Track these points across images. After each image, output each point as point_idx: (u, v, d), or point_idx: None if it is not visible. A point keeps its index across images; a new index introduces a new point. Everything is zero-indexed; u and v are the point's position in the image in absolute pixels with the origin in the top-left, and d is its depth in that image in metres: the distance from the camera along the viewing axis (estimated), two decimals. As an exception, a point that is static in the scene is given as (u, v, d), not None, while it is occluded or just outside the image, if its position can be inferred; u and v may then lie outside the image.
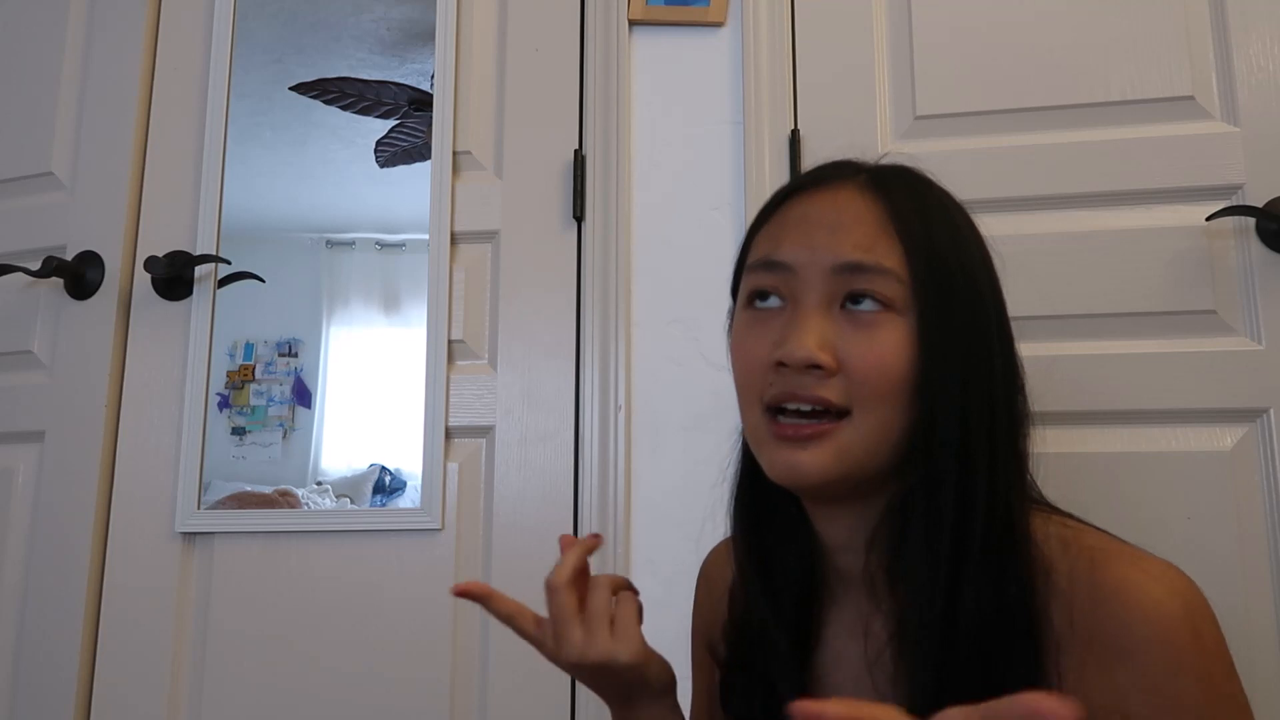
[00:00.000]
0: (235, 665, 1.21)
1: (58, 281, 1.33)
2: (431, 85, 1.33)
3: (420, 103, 1.33)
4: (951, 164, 1.14)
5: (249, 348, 1.31)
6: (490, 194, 1.29)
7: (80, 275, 1.32)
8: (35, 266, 1.30)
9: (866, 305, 0.60)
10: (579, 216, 1.26)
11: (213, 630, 1.22)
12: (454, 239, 1.28)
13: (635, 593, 0.70)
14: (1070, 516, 0.64)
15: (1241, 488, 1.04)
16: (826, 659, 0.68)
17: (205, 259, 1.29)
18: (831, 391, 0.59)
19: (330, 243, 1.35)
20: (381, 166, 1.34)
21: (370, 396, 1.31)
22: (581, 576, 0.69)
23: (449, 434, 1.23)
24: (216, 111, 1.34)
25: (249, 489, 1.28)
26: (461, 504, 1.22)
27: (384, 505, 1.26)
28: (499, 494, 1.22)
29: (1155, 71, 1.14)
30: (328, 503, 1.27)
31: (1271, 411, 1.04)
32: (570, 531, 1.19)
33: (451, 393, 1.24)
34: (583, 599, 0.68)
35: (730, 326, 0.72)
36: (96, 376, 1.29)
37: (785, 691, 0.65)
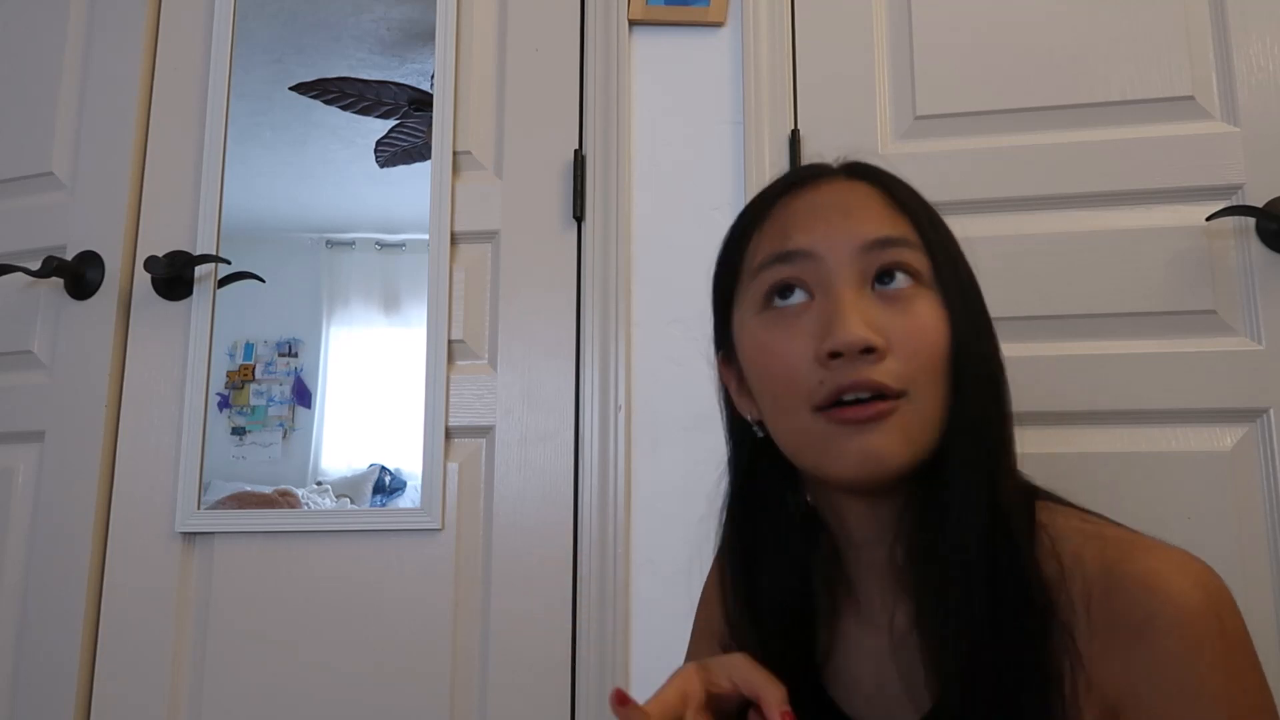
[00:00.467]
0: (235, 665, 1.21)
1: (58, 281, 1.33)
2: (431, 85, 1.33)
3: (420, 103, 1.33)
4: (951, 164, 1.15)
5: (249, 348, 1.31)
6: (490, 194, 1.29)
7: (80, 275, 1.32)
8: (35, 266, 1.30)
9: (899, 280, 0.60)
10: (579, 216, 1.26)
11: (213, 630, 1.22)
12: (454, 239, 1.28)
13: None
14: (1084, 510, 0.64)
15: (1241, 488, 1.04)
16: (846, 650, 0.68)
17: (205, 259, 1.29)
18: (886, 375, 0.58)
19: (330, 243, 1.35)
20: (381, 166, 1.34)
21: (370, 396, 1.31)
22: None
23: (449, 434, 1.23)
24: (216, 111, 1.34)
25: (249, 489, 1.28)
26: (461, 504, 1.22)
27: (384, 505, 1.26)
28: (499, 494, 1.22)
29: (1155, 71, 1.14)
30: (328, 503, 1.27)
31: (1271, 411, 1.04)
32: (570, 531, 1.19)
33: (451, 393, 1.24)
34: None
35: (725, 352, 0.69)
36: (96, 376, 1.29)
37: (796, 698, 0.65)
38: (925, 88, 1.20)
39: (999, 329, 0.64)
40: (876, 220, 0.62)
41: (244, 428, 1.30)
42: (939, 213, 0.66)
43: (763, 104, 1.23)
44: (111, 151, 1.36)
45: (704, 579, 0.83)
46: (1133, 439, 1.08)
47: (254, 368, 1.31)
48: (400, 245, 1.33)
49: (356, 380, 1.32)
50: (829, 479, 0.61)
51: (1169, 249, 1.10)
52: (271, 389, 1.31)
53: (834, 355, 0.58)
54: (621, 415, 1.21)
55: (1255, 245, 1.08)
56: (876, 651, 0.65)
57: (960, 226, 0.66)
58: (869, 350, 0.57)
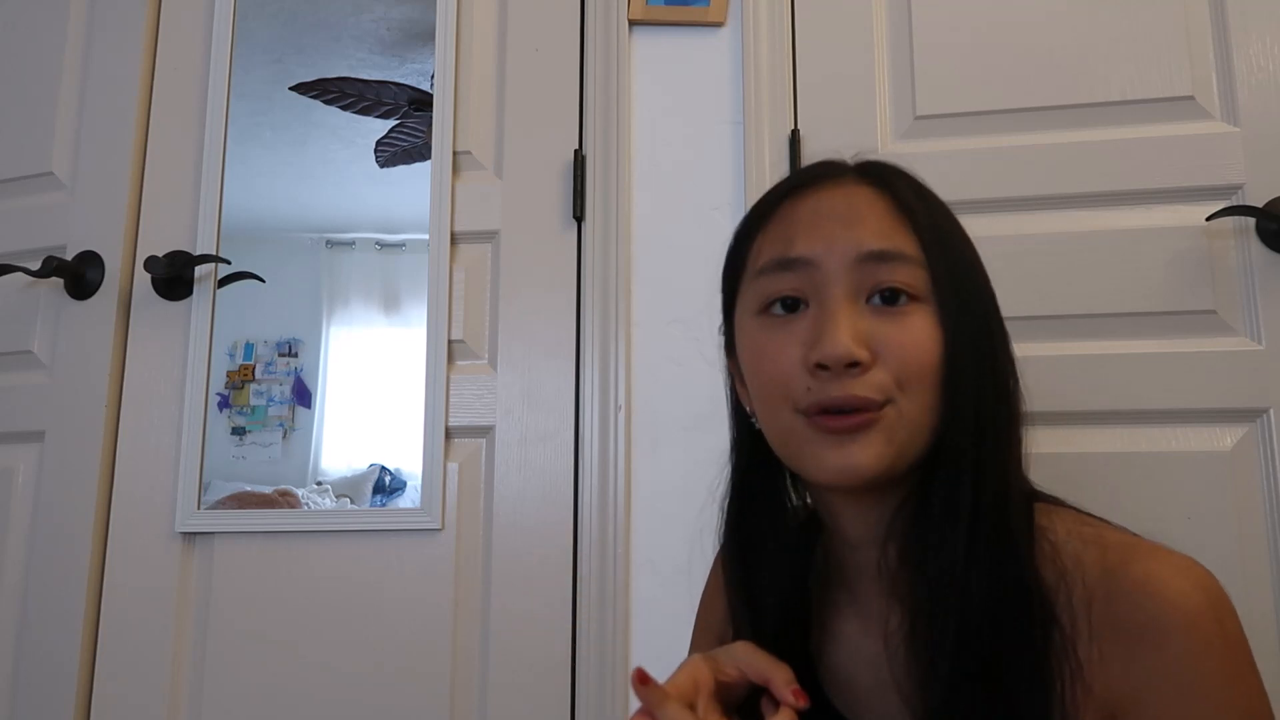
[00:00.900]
0: (235, 665, 1.21)
1: (58, 281, 1.33)
2: (431, 85, 1.33)
3: (420, 103, 1.33)
4: (951, 164, 1.15)
5: (249, 348, 1.31)
6: (490, 194, 1.29)
7: (80, 275, 1.32)
8: (35, 266, 1.30)
9: (893, 297, 0.60)
10: (579, 216, 1.26)
11: (213, 630, 1.22)
12: (454, 239, 1.28)
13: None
14: (1083, 512, 0.64)
15: (1241, 488, 1.04)
16: (842, 654, 0.68)
17: (205, 259, 1.29)
18: (870, 388, 0.59)
19: (330, 243, 1.35)
20: (381, 166, 1.34)
21: (370, 396, 1.31)
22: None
23: (449, 434, 1.23)
24: (216, 111, 1.34)
25: (249, 489, 1.28)
26: (461, 504, 1.22)
27: (384, 505, 1.26)
28: (499, 494, 1.22)
29: (1155, 71, 1.14)
30: (328, 503, 1.27)
31: (1271, 411, 1.04)
32: (570, 531, 1.19)
33: (451, 393, 1.24)
34: None
35: (727, 342, 0.71)
36: (96, 376, 1.29)
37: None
38: (925, 88, 1.20)
39: (1000, 329, 0.64)
40: (876, 231, 0.62)
41: (244, 428, 1.30)
42: (954, 215, 0.66)
43: (763, 104, 1.23)
44: (111, 151, 1.36)
45: (704, 579, 0.83)
46: (1133, 439, 1.07)
47: (254, 368, 1.31)
48: (400, 245, 1.33)
49: (356, 380, 1.32)
50: (810, 481, 0.63)
51: (1169, 249, 1.10)
52: (271, 389, 1.31)
53: (821, 366, 0.59)
54: (621, 415, 1.21)
55: (1255, 245, 1.08)
56: (873, 652, 0.65)
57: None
58: (854, 364, 0.58)
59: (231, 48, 1.36)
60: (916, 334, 0.60)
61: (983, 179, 1.15)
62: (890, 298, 0.60)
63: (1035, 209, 1.14)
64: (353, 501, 1.27)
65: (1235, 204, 1.07)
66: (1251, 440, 1.05)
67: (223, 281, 1.31)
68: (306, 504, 1.27)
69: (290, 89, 1.36)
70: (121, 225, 1.33)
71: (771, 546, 0.68)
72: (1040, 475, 0.66)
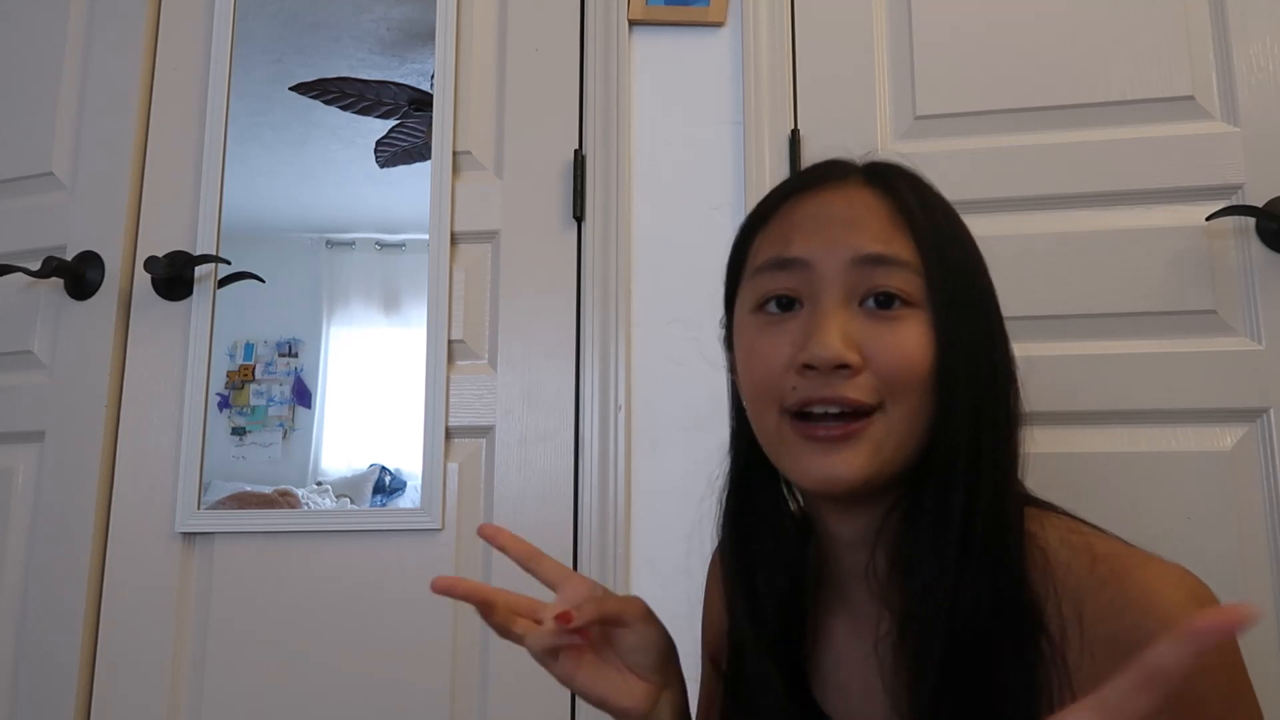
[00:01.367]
0: (235, 665, 1.21)
1: (58, 281, 1.33)
2: (431, 85, 1.33)
3: (420, 103, 1.33)
4: (951, 164, 1.15)
5: (249, 348, 1.31)
6: (490, 194, 1.29)
7: (80, 275, 1.32)
8: (35, 266, 1.30)
9: (895, 307, 0.60)
10: (579, 216, 1.26)
11: (213, 630, 1.22)
12: (454, 239, 1.28)
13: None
14: (1073, 517, 0.64)
15: (1241, 488, 1.04)
16: (836, 654, 0.68)
17: (205, 259, 1.29)
18: (858, 390, 0.58)
19: (330, 243, 1.35)
20: (381, 166, 1.34)
21: (370, 396, 1.31)
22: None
23: (449, 434, 1.23)
24: (216, 111, 1.34)
25: (249, 489, 1.28)
26: (461, 504, 1.22)
27: (384, 505, 1.26)
28: (499, 494, 1.22)
29: (1155, 71, 1.14)
30: (328, 503, 1.27)
31: (1271, 411, 1.04)
32: (570, 531, 1.19)
33: (451, 393, 1.24)
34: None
35: (726, 335, 0.71)
36: (96, 376, 1.29)
37: (782, 709, 0.65)
38: (925, 88, 1.20)
39: (1000, 329, 0.64)
40: (874, 235, 0.61)
41: (244, 428, 1.30)
42: (962, 225, 0.66)
43: (763, 104, 1.23)
44: (111, 151, 1.36)
45: (704, 579, 0.83)
46: (1133, 439, 1.07)
47: (254, 368, 1.31)
48: (400, 245, 1.33)
49: (356, 380, 1.32)
50: (796, 485, 0.62)
51: (1169, 249, 1.10)
52: (271, 389, 1.31)
53: (808, 367, 0.59)
54: (621, 415, 1.21)
55: (1255, 245, 1.08)
56: (862, 655, 0.64)
57: (960, 227, 0.66)
58: (843, 366, 0.58)
59: (231, 48, 1.36)
60: (908, 339, 0.60)
61: (983, 179, 1.15)
62: (884, 302, 0.60)
63: (1035, 209, 1.14)
64: (353, 501, 1.27)
65: (1235, 204, 1.07)
66: (1251, 440, 1.05)
67: (223, 281, 1.31)
68: (306, 504, 1.27)
69: (290, 89, 1.36)
70: (121, 225, 1.33)
71: (770, 543, 0.68)
72: (1039, 475, 0.66)
